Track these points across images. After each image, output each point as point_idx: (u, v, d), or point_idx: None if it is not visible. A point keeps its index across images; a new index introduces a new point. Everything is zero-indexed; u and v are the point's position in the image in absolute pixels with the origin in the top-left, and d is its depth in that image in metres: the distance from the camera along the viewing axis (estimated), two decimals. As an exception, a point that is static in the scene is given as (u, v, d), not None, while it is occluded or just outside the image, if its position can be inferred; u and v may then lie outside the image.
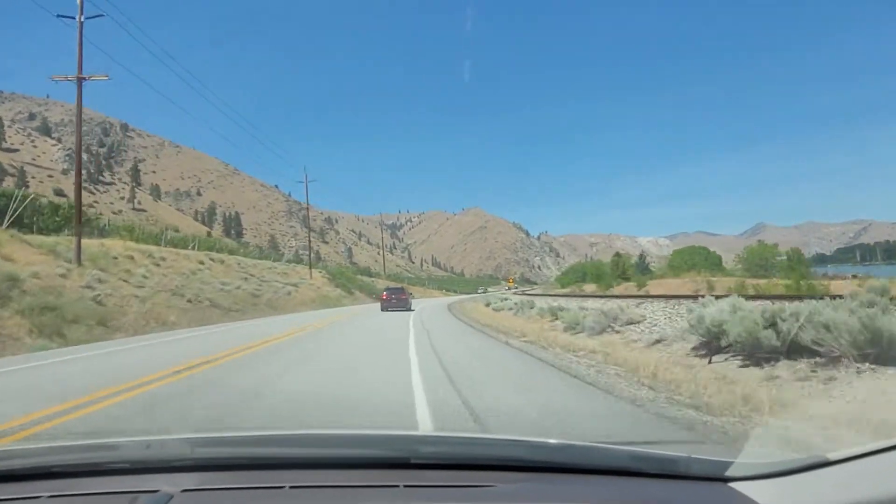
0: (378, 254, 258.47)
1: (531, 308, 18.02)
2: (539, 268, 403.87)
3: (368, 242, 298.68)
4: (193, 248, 33.74)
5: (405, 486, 1.23)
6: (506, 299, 27.24)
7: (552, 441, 1.46)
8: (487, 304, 26.27)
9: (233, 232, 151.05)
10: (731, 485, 1.16)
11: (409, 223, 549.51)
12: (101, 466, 1.39)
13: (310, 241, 60.96)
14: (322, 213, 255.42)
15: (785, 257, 40.45)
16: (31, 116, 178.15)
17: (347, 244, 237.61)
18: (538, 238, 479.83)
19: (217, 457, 1.43)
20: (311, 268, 46.88)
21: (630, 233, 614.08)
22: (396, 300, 26.90)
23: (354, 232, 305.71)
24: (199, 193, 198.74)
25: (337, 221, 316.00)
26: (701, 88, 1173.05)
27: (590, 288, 50.50)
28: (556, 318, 13.84)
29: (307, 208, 58.05)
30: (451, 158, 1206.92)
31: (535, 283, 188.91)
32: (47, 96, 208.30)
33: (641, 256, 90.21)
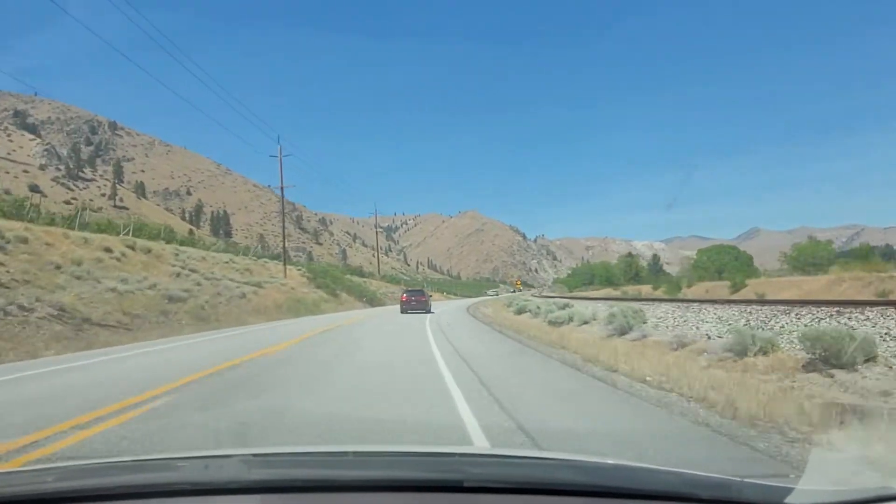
0: (373, 256, 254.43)
1: (585, 318, 13.46)
2: (536, 271, 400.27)
3: (364, 244, 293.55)
4: (127, 233, 27.36)
5: None
6: (526, 303, 22.90)
7: (608, 461, 1.47)
8: (520, 311, 21.64)
9: (221, 231, 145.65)
10: None
11: (404, 225, 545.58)
12: (161, 488, 1.37)
13: (283, 225, 51.55)
14: (316, 215, 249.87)
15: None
16: (17, 114, 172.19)
17: (342, 246, 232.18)
18: (535, 241, 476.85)
19: (274, 479, 1.43)
20: (284, 263, 39.40)
21: (625, 236, 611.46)
22: (416, 302, 27.68)
23: (349, 234, 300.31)
24: (188, 193, 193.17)
25: (332, 223, 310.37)
26: (698, 91, 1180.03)
27: (604, 290, 46.20)
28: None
29: (282, 187, 41.89)
30: (447, 160, 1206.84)
31: (533, 286, 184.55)
32: (35, 94, 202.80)
33: (655, 258, 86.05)
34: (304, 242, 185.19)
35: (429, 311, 27.17)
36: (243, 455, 1.57)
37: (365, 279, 59.70)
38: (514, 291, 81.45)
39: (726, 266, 46.32)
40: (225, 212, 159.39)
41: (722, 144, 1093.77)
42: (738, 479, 1.22)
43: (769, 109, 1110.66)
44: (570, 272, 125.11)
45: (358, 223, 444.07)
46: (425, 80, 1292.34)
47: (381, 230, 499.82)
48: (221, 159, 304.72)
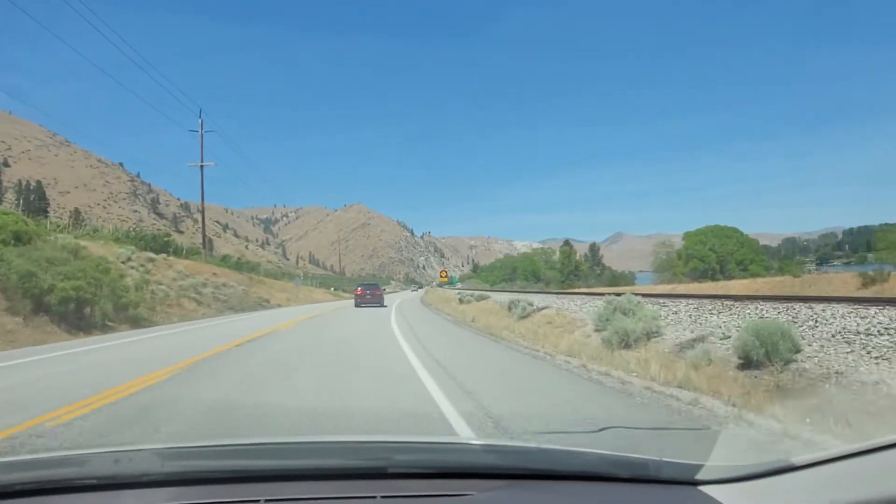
0: (246, 247, 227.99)
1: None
2: (424, 268, 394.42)
3: (236, 235, 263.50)
4: None
5: (382, 497, 1.22)
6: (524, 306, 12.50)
7: (530, 446, 1.51)
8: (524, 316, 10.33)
9: (30, 209, 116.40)
10: (701, 488, 1.18)
11: (285, 218, 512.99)
12: (67, 483, 1.30)
13: (203, 208, 36.58)
14: (178, 200, 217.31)
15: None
16: None
17: (209, 235, 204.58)
18: (422, 238, 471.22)
19: (188, 470, 1.38)
20: (205, 246, 24.35)
21: (507, 237, 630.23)
22: (371, 296, 29.23)
23: (219, 223, 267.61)
24: (5, 164, 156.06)
25: (197, 211, 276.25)
26: (574, 101, 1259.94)
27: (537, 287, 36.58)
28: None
29: (202, 165, 29.04)
30: (332, 154, 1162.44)
31: (421, 285, 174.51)
32: None
33: (593, 248, 79.98)
34: (159, 229, 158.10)
35: (382, 305, 28.34)
36: (157, 448, 1.50)
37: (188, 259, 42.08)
38: (440, 286, 69.17)
39: (733, 253, 37.65)
40: (38, 182, 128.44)
41: (590, 154, 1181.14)
42: (657, 459, 1.30)
43: (632, 123, 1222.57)
44: (480, 269, 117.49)
45: (233, 214, 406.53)
46: (313, 73, 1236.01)
47: (258, 222, 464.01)
48: (60, 129, 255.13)
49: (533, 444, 1.50)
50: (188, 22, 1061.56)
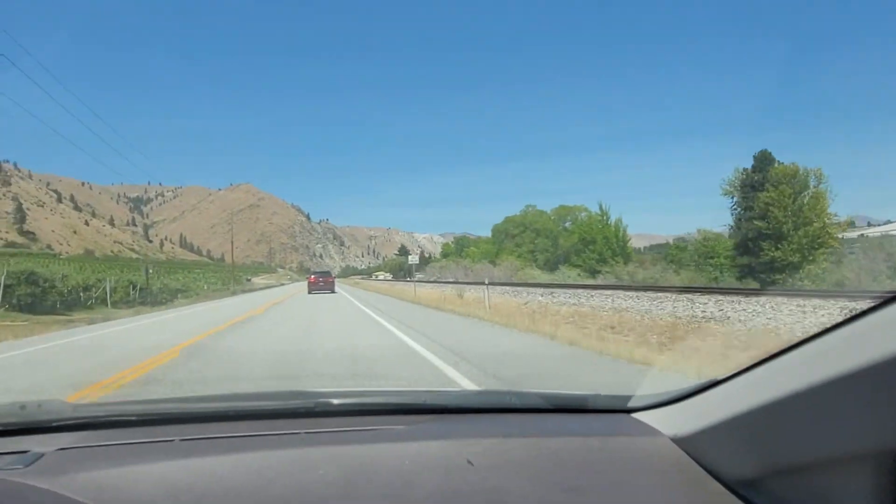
0: (86, 224, 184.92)
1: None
2: (321, 256, 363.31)
3: (78, 208, 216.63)
4: None
5: (306, 433, 1.19)
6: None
7: (469, 390, 1.66)
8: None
9: None
10: (633, 415, 1.28)
11: (160, 198, 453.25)
12: None
13: None
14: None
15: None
16: None
17: (25, 203, 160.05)
18: (320, 224, 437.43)
19: (102, 415, 1.33)
20: None
21: (408, 229, 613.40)
22: (323, 283, 30.85)
23: (53, 192, 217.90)
24: None
25: (30, 178, 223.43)
26: (463, 99, 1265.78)
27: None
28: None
29: None
30: (219, 129, 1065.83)
31: (328, 272, 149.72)
32: None
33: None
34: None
35: (333, 292, 29.76)
36: (75, 403, 1.44)
37: None
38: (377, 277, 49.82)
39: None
40: None
41: (478, 154, 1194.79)
42: (594, 394, 1.41)
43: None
44: (462, 244, 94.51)
45: (91, 188, 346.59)
46: (207, 52, 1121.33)
47: (127, 201, 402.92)
48: None
49: (476, 389, 1.46)
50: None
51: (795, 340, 0.78)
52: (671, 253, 51.89)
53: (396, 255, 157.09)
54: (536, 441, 1.16)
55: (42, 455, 1.06)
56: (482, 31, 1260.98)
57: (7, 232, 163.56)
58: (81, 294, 28.30)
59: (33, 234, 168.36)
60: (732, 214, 40.53)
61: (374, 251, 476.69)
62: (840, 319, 0.71)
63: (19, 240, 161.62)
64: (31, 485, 0.93)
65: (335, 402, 1.37)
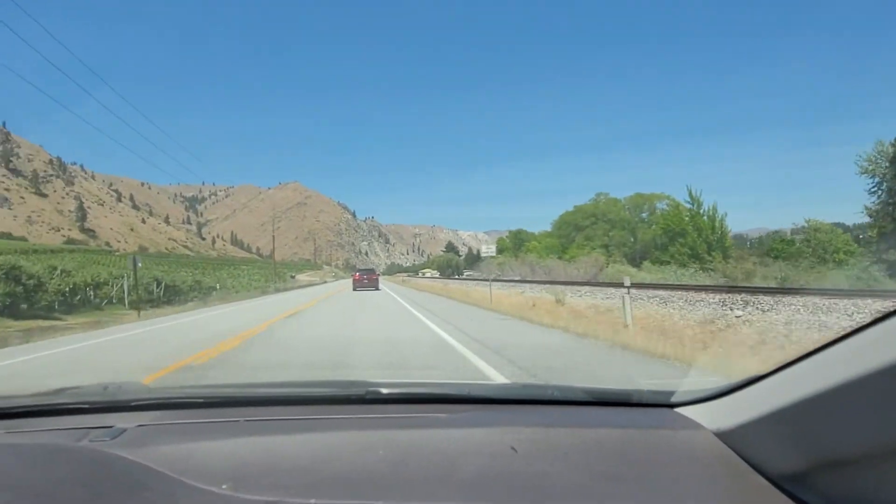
0: (143, 222, 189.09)
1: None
2: (366, 254, 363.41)
3: (136, 207, 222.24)
4: None
5: (359, 418, 1.27)
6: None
7: (511, 383, 1.65)
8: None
9: None
10: (677, 410, 1.29)
11: (213, 197, 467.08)
12: (56, 407, 1.41)
13: None
14: (48, 156, 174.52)
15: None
16: None
17: (86, 202, 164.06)
18: (365, 221, 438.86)
19: (176, 396, 1.48)
20: None
21: (452, 226, 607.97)
22: (367, 280, 32.50)
23: (114, 192, 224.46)
24: None
25: (93, 178, 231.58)
26: (485, 99, 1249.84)
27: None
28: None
29: None
30: (269, 129, 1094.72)
31: (373, 270, 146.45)
32: None
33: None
34: (7, 189, 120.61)
35: (377, 289, 30.93)
36: (153, 386, 1.60)
37: None
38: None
39: None
40: None
41: (521, 151, 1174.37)
42: (637, 389, 1.42)
43: (599, 117, 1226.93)
44: (518, 239, 74.39)
45: (150, 188, 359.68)
46: (253, 52, 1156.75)
47: (182, 200, 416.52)
48: None
49: (514, 382, 1.50)
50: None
51: (842, 333, 0.77)
52: (775, 248, 44.07)
53: (444, 251, 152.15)
54: (579, 431, 1.18)
55: (125, 430, 1.18)
56: (536, 25, 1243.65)
57: (70, 229, 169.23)
58: (91, 293, 24.00)
59: (93, 231, 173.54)
60: (877, 198, 32.49)
61: (418, 248, 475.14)
62: (887, 311, 0.69)
63: (80, 237, 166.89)
64: (117, 454, 1.05)
65: (384, 391, 1.42)
